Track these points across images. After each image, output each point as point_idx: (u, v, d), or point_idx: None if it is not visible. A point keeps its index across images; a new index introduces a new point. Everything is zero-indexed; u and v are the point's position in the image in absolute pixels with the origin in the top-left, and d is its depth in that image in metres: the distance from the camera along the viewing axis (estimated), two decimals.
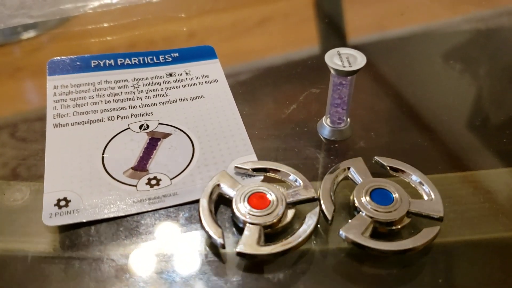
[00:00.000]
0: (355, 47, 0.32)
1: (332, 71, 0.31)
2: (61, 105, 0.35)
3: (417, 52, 0.45)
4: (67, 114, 0.35)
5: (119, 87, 0.37)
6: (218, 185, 0.29)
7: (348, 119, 0.34)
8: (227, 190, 0.29)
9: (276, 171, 0.30)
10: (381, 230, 0.28)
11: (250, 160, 0.32)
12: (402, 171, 0.30)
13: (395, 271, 0.27)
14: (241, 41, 0.46)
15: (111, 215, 0.28)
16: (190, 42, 0.45)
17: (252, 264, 0.27)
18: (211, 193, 0.29)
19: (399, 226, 0.27)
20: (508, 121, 0.36)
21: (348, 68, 0.30)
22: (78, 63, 0.39)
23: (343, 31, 0.49)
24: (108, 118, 0.34)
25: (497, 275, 0.27)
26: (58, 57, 0.39)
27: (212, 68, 0.39)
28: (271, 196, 0.28)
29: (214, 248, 0.27)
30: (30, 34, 0.46)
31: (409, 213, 0.28)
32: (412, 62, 0.43)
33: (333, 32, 0.49)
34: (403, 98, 0.38)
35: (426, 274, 0.27)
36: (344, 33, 0.48)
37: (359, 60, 0.31)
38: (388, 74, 0.41)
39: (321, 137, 0.34)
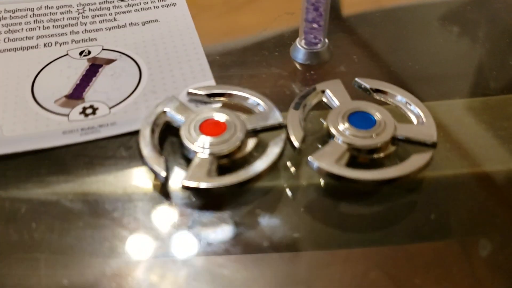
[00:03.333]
0: None
1: None
2: None
3: None
4: None
5: (61, 13, 0.32)
6: (164, 112, 0.24)
7: (326, 40, 0.28)
8: (176, 117, 0.24)
9: (235, 96, 0.25)
10: (361, 160, 0.23)
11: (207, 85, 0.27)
12: (387, 93, 0.25)
13: (378, 208, 0.22)
14: None
15: (34, 147, 0.23)
16: None
17: (204, 202, 0.22)
18: (155, 121, 0.24)
19: (382, 155, 0.22)
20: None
21: None
22: None
23: None
24: (45, 45, 0.29)
25: (495, 210, 0.22)
26: None
27: None
28: (227, 122, 0.23)
29: (159, 186, 0.23)
30: None
31: (394, 139, 0.23)
32: None
33: None
34: (392, 16, 0.33)
35: (417, 211, 0.22)
36: None
37: None
38: None
39: (294, 62, 0.29)
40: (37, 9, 0.32)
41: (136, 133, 0.24)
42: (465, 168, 0.24)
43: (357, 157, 0.22)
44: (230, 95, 0.25)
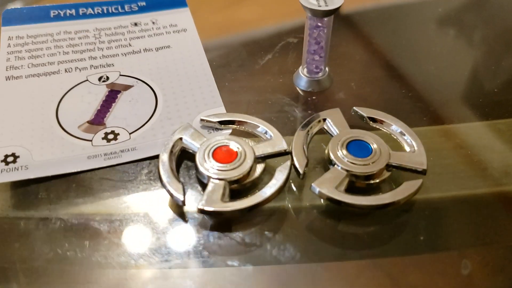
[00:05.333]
0: None
1: (307, 12, 0.28)
2: (16, 56, 0.32)
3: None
4: (22, 66, 0.32)
5: (79, 38, 0.34)
6: (181, 138, 0.27)
7: (327, 68, 0.31)
8: (191, 144, 0.26)
9: (245, 123, 0.28)
10: (358, 185, 0.25)
11: (218, 113, 0.29)
12: (383, 122, 0.27)
13: (373, 228, 0.24)
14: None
15: (63, 172, 0.26)
16: None
17: (217, 222, 0.24)
18: (173, 148, 0.26)
19: (377, 180, 0.25)
20: (497, 73, 0.33)
21: (324, 8, 0.27)
22: (36, 13, 0.36)
23: None
24: (66, 70, 0.32)
25: (482, 232, 0.24)
26: (14, 7, 0.36)
27: (181, 17, 0.36)
28: (238, 149, 0.25)
29: (176, 207, 0.25)
30: None
31: (389, 166, 0.25)
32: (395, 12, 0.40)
33: None
34: (387, 46, 0.35)
35: (407, 232, 0.24)
36: None
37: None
38: (369, 22, 0.38)
39: (297, 88, 0.31)
40: (56, 34, 0.34)
41: (154, 157, 0.27)
42: (453, 191, 0.26)
43: (355, 182, 0.25)
44: (240, 122, 0.28)
